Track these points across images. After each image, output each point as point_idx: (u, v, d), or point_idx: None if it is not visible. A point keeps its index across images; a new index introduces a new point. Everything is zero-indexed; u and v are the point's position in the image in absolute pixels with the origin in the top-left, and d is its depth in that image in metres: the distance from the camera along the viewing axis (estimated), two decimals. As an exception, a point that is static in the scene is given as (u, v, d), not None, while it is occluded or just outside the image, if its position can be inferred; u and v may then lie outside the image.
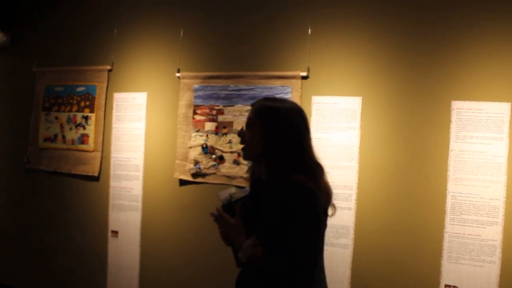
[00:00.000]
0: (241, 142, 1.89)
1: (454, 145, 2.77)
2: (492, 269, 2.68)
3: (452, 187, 2.77)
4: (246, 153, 1.89)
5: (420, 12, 2.91)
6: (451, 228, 2.77)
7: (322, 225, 1.78)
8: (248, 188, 1.96)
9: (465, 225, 2.74)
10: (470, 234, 2.73)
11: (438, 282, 2.79)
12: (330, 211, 1.85)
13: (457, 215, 2.76)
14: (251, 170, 1.97)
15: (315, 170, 1.80)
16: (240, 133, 1.90)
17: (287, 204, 1.72)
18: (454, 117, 2.78)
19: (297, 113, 1.85)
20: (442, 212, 2.79)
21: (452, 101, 2.79)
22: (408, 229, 2.87)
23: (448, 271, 2.77)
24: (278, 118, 1.80)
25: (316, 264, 1.74)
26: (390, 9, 2.99)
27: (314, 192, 1.72)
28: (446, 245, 2.78)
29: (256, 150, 1.84)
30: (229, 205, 1.91)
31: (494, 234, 2.68)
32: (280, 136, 1.78)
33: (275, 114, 1.81)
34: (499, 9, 2.72)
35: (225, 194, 1.96)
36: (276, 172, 1.77)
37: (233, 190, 1.99)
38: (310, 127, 1.90)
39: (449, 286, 2.77)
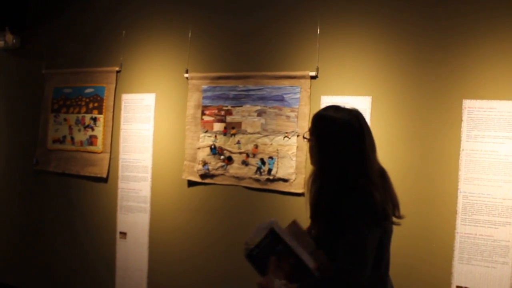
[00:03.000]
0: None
1: (466, 145, 2.74)
2: (505, 270, 2.64)
3: (464, 187, 2.74)
4: (310, 160, 1.94)
5: (430, 10, 2.88)
6: (462, 228, 2.74)
7: (374, 237, 1.77)
8: (266, 224, 1.82)
9: (477, 226, 2.71)
10: (482, 235, 2.69)
11: (449, 283, 2.75)
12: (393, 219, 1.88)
13: (468, 215, 2.72)
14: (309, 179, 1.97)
15: (372, 182, 1.78)
16: (304, 138, 1.95)
17: (339, 223, 1.74)
18: (465, 116, 2.75)
19: (350, 125, 1.82)
20: (454, 212, 2.76)
21: (463, 100, 2.76)
22: (419, 229, 2.84)
23: (460, 272, 2.74)
24: (329, 134, 1.82)
25: (365, 275, 1.71)
26: (399, 7, 2.97)
27: (365, 210, 1.73)
28: (457, 245, 2.74)
29: (313, 160, 1.90)
30: (249, 256, 1.82)
31: (507, 234, 2.64)
32: (331, 153, 1.81)
33: (327, 129, 1.82)
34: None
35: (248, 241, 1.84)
36: (328, 191, 1.80)
37: (255, 233, 1.83)
38: (368, 134, 1.86)
39: (461, 287, 2.73)
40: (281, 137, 3.25)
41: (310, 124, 1.93)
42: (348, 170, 1.79)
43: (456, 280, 2.75)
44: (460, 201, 2.75)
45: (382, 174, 1.90)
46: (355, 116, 1.86)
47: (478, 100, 2.73)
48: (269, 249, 1.76)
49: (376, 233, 1.77)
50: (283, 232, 1.74)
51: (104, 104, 4.00)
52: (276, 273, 1.75)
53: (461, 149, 2.76)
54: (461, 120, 2.76)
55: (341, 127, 1.81)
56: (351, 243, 1.70)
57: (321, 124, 1.86)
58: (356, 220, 1.72)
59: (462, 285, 2.73)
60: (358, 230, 1.72)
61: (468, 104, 2.75)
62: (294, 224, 1.80)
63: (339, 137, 1.81)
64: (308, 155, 1.96)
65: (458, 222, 2.75)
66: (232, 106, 3.44)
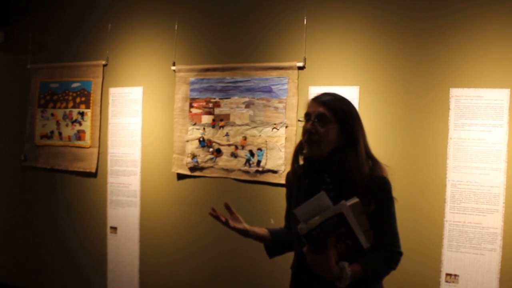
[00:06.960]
0: (309, 138, 1.85)
1: (453, 133, 2.75)
2: (493, 257, 2.66)
3: (452, 175, 2.75)
4: (318, 149, 1.86)
5: (417, 0, 2.88)
6: (451, 216, 2.75)
7: None
8: (334, 207, 1.71)
9: (465, 213, 2.72)
10: (470, 222, 2.71)
11: (439, 271, 2.78)
12: None
13: (457, 204, 2.74)
14: (294, 165, 2.01)
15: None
16: (312, 130, 1.84)
17: (376, 198, 1.81)
18: (453, 104, 2.76)
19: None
20: (442, 200, 2.77)
21: (450, 89, 2.76)
22: (408, 218, 2.84)
23: (449, 259, 2.76)
24: (353, 118, 1.88)
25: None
26: (386, -4, 2.96)
27: (390, 183, 1.88)
28: (446, 233, 2.76)
29: (328, 147, 1.86)
30: (307, 235, 1.72)
31: (495, 221, 2.66)
32: (357, 135, 1.87)
33: (351, 113, 1.88)
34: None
35: (302, 214, 1.73)
36: (361, 169, 1.82)
37: (316, 205, 1.72)
38: None
39: (450, 274, 2.76)
40: (269, 129, 3.24)
41: (323, 110, 1.85)
42: (368, 148, 1.92)
43: (445, 267, 2.77)
44: (449, 189, 2.76)
45: None
46: None
47: (465, 89, 2.73)
48: (331, 230, 1.70)
49: None
50: (351, 216, 1.70)
51: (91, 98, 3.96)
52: (332, 252, 1.73)
53: (448, 137, 2.76)
54: (449, 109, 2.76)
55: (355, 109, 1.92)
56: (393, 226, 1.86)
57: (345, 107, 1.89)
58: (392, 203, 1.87)
59: (452, 272, 2.76)
60: (394, 214, 1.88)
61: (455, 93, 2.75)
62: (357, 205, 1.74)
63: (359, 118, 1.91)
64: (314, 141, 1.86)
65: (447, 210, 2.76)
66: (220, 98, 3.42)
